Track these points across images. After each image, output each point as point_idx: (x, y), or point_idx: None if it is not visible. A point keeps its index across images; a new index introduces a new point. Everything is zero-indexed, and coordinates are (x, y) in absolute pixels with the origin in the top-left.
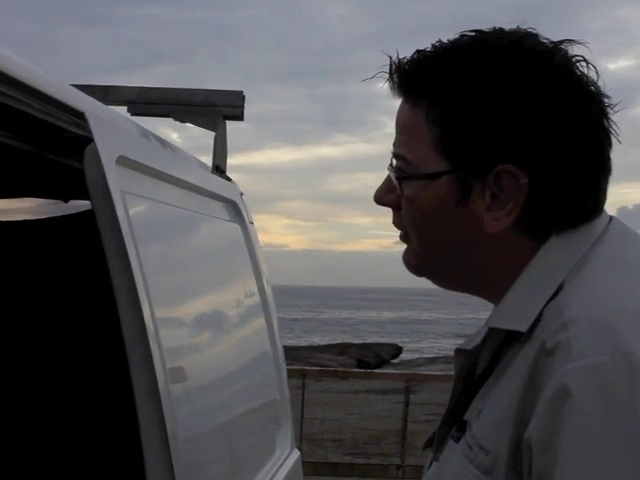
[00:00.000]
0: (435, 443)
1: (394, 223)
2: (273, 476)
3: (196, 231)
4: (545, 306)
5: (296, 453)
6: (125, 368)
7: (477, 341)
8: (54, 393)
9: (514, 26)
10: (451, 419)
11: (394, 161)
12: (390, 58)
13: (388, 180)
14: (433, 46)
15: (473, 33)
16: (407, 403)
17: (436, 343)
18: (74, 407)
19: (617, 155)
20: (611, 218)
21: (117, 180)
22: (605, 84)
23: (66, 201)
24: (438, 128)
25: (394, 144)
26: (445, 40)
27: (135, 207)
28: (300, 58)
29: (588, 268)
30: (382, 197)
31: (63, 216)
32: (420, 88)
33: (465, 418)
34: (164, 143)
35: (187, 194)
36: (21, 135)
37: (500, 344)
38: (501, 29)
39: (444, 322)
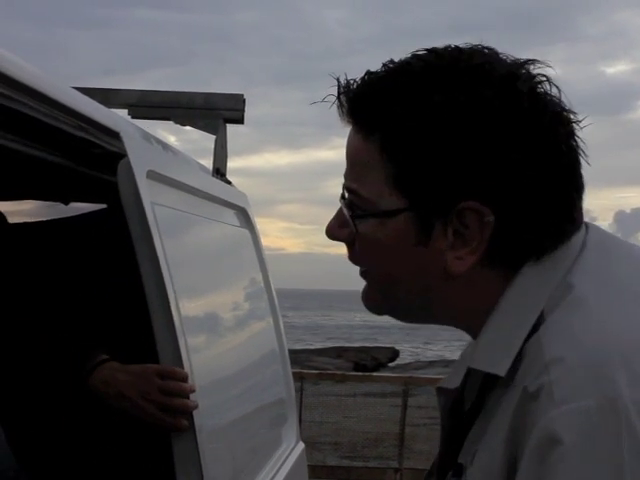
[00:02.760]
0: None
1: (350, 259)
2: (281, 465)
3: (214, 237)
4: (526, 341)
5: (301, 445)
6: None
7: (458, 381)
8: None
9: (481, 41)
10: (446, 462)
11: (346, 194)
12: (337, 80)
13: (340, 213)
14: (385, 67)
15: (427, 53)
16: (405, 406)
17: (433, 347)
18: (94, 407)
19: (615, 159)
20: (587, 227)
21: (148, 192)
22: (602, 89)
23: (66, 204)
24: (393, 163)
25: (345, 176)
26: (397, 60)
27: (163, 217)
28: (298, 61)
29: (569, 294)
30: (335, 232)
31: (62, 218)
32: (372, 117)
33: (460, 461)
34: (184, 157)
35: (206, 204)
36: (60, 150)
37: (483, 381)
38: (457, 48)
39: (441, 326)
